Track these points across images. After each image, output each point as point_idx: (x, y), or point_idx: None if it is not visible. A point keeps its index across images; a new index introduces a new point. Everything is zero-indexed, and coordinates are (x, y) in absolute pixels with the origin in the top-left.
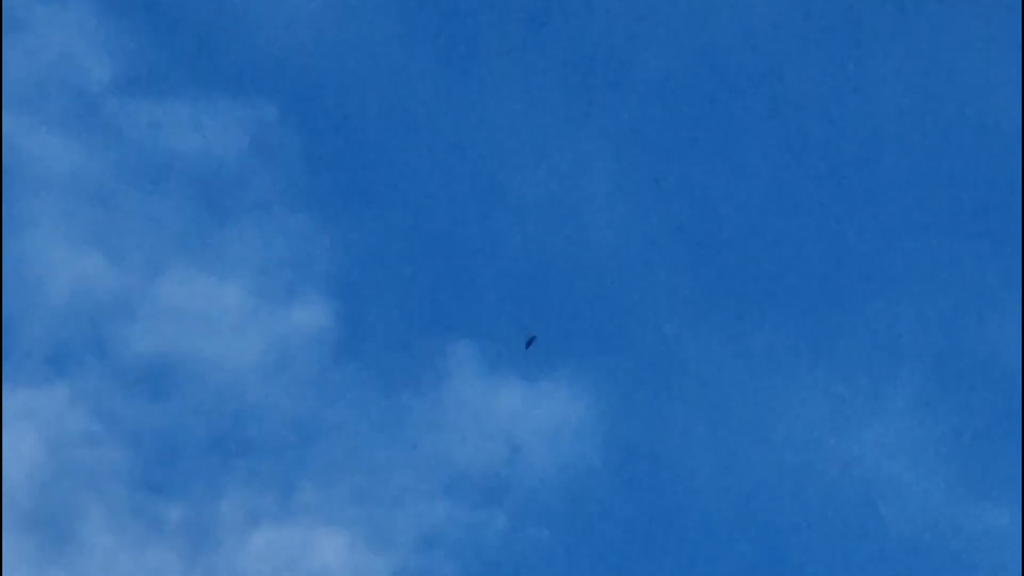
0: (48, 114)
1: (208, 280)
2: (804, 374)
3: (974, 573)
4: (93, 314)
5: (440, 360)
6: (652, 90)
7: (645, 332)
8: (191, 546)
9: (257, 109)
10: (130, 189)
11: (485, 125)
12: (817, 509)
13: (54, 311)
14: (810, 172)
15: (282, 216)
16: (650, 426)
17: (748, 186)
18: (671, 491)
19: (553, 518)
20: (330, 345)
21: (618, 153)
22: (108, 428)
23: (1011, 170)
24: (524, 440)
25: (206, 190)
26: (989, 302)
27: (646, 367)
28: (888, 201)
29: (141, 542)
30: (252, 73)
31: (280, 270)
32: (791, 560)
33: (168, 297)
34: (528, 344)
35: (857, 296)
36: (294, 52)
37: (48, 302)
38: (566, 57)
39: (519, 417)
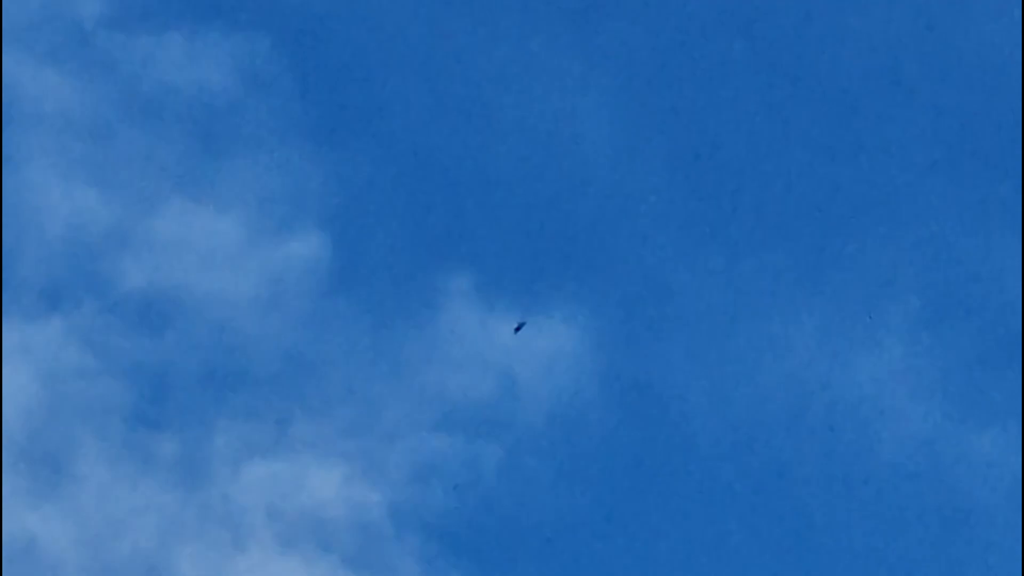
0: (42, 49)
1: (202, 214)
2: (799, 304)
3: (970, 500)
4: (88, 248)
5: (435, 292)
6: (647, 15)
7: (640, 263)
8: (185, 480)
9: (251, 42)
10: (124, 123)
11: (480, 54)
12: (812, 438)
13: (49, 246)
14: (807, 99)
15: (277, 149)
16: (645, 358)
17: (743, 115)
18: (666, 422)
19: (548, 451)
20: (325, 278)
21: (612, 82)
22: (103, 362)
23: (1011, 97)
24: (519, 372)
25: (200, 124)
26: (987, 230)
27: (641, 298)
28: (884, 128)
29: (135, 476)
30: (246, 6)
31: (274, 203)
32: (786, 490)
33: (162, 231)
34: (518, 328)
35: (852, 225)
36: None
37: (43, 237)
38: None
39: (514, 349)
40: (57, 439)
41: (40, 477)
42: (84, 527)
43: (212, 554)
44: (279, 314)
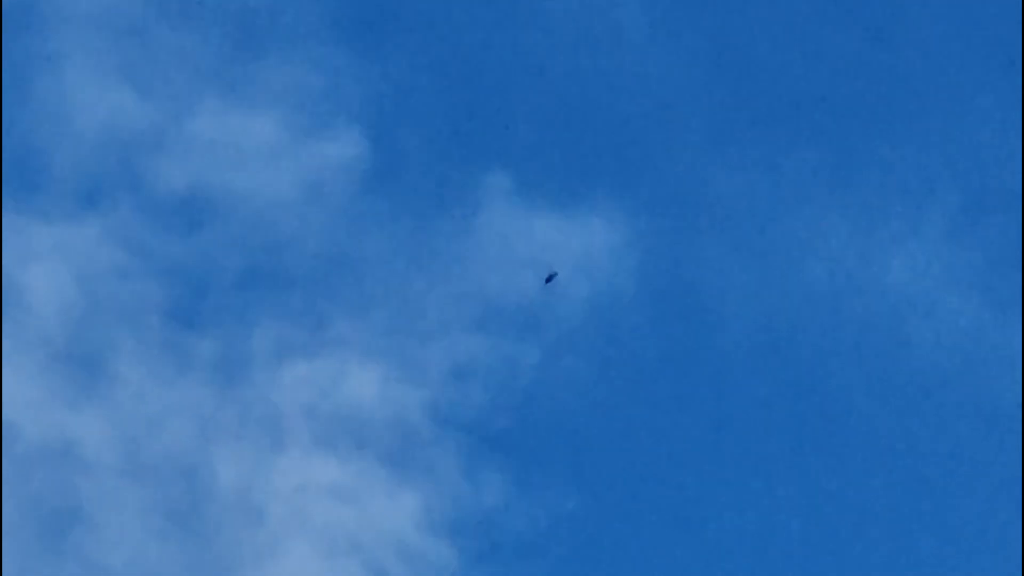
0: None
1: (239, 113)
2: (836, 200)
3: (1004, 394)
4: (125, 149)
5: (473, 191)
6: None
7: (677, 161)
8: (223, 379)
9: None
10: (161, 23)
11: None
12: (847, 334)
13: (85, 146)
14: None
15: (314, 47)
16: (682, 255)
17: (780, 15)
18: (703, 319)
19: (586, 349)
20: (362, 177)
21: None
22: (140, 262)
23: None
24: (557, 270)
25: (238, 23)
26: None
27: (678, 196)
28: (922, 30)
29: (173, 376)
30: None
31: (312, 102)
32: (822, 386)
33: (199, 131)
34: (548, 280)
35: (889, 126)
36: None
37: (79, 137)
38: None
39: (552, 247)
40: (95, 340)
41: (78, 378)
42: (122, 427)
43: (250, 453)
44: (317, 213)
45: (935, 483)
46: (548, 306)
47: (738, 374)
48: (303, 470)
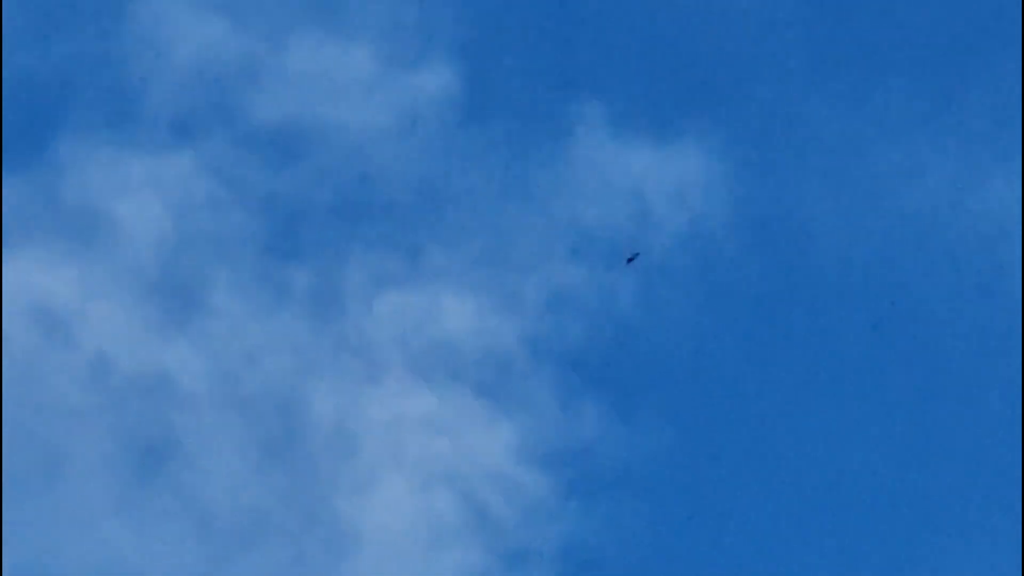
0: None
1: (334, 45)
2: (931, 129)
3: None
4: (218, 80)
5: (567, 121)
6: None
7: (772, 90)
8: (318, 311)
9: None
10: None
11: None
12: (946, 266)
13: (179, 78)
14: None
15: None
16: (777, 185)
17: None
18: (799, 251)
19: (682, 279)
20: (457, 108)
21: None
22: (234, 194)
23: None
24: (652, 201)
25: None
26: None
27: (773, 128)
28: None
29: (268, 308)
30: None
31: (407, 34)
32: (917, 317)
33: (294, 62)
34: (630, 260)
35: (986, 48)
36: None
37: (173, 69)
38: None
39: (647, 178)
40: (189, 272)
41: (173, 310)
42: (217, 359)
43: (345, 386)
44: (412, 144)
45: None
46: (643, 236)
47: (836, 305)
48: (398, 402)
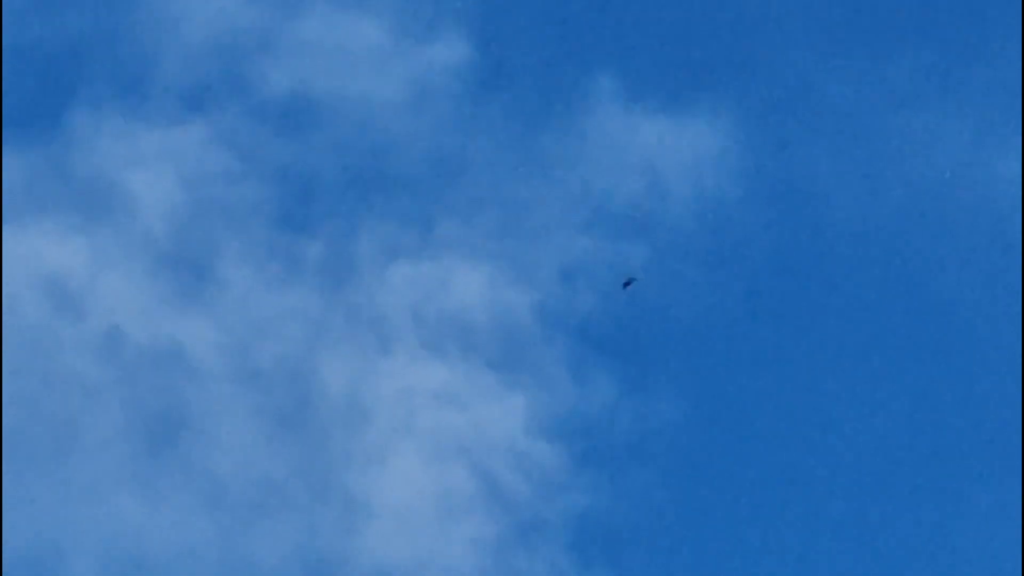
0: None
1: (347, 16)
2: (945, 102)
3: None
4: (231, 52)
5: (581, 93)
6: None
7: (785, 62)
8: (330, 282)
9: None
10: None
11: None
12: (957, 237)
13: (192, 49)
14: None
15: None
16: (790, 157)
17: None
18: (812, 221)
19: (694, 251)
20: (470, 80)
21: None
22: (246, 165)
23: None
24: (665, 173)
25: None
26: None
27: (785, 99)
28: None
29: (280, 279)
30: None
31: (420, 5)
32: (931, 286)
33: (307, 34)
34: (626, 285)
35: (998, 26)
36: None
37: (185, 40)
38: None
39: (660, 149)
40: (202, 243)
41: (185, 281)
42: (229, 331)
43: (357, 357)
44: (424, 116)
45: None
46: (656, 208)
47: (848, 277)
48: (410, 373)
